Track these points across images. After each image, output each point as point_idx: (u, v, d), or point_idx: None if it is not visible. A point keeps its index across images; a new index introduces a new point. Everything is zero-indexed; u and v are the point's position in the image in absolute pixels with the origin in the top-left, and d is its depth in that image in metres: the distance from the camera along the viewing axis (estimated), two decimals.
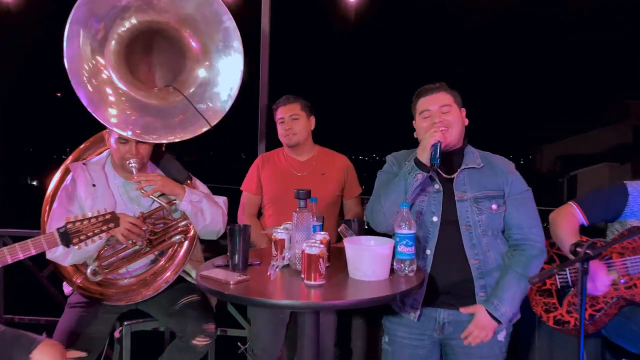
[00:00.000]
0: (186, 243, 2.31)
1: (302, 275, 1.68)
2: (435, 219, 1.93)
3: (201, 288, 1.73)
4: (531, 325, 2.33)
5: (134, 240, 2.13)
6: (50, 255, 2.08)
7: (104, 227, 1.82)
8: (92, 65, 2.12)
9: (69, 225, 1.74)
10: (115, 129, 2.10)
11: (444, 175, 1.97)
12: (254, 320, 2.64)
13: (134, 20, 2.20)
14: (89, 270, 2.18)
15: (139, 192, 2.19)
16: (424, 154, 1.86)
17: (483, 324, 1.86)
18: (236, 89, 2.32)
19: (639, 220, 2.11)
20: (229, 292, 1.64)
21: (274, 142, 2.84)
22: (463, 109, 2.02)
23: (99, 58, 2.15)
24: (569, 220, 2.12)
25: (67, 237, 1.73)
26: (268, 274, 1.76)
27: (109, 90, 2.16)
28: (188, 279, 2.41)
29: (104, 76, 2.17)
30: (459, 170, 1.96)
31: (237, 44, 2.31)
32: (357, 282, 1.72)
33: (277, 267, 1.77)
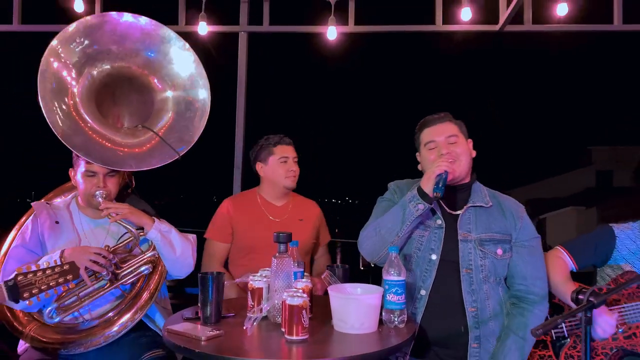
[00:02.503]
0: (154, 277, 2.14)
1: (283, 329, 1.53)
2: (434, 257, 1.81)
3: (168, 345, 1.54)
4: None
5: (98, 273, 1.96)
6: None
7: (60, 280, 1.64)
8: (64, 103, 2.12)
9: (19, 278, 1.55)
10: (87, 157, 2.03)
11: (448, 210, 1.85)
12: None
13: (104, 66, 2.23)
14: (45, 312, 1.97)
15: (106, 230, 2.10)
16: (428, 184, 1.73)
17: None
18: (204, 120, 2.30)
19: (630, 264, 2.06)
20: (200, 349, 1.45)
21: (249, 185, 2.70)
22: (470, 140, 1.93)
23: (70, 97, 2.14)
24: (559, 265, 2.04)
25: (16, 291, 1.54)
26: (244, 327, 1.59)
27: (80, 124, 2.13)
28: (151, 326, 2.21)
29: (74, 113, 2.14)
30: (465, 207, 1.85)
31: (201, 72, 2.32)
32: (343, 335, 1.57)
33: (254, 320, 1.59)
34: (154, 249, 2.11)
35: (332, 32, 2.83)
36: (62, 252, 1.93)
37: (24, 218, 2.21)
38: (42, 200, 2.18)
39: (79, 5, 2.80)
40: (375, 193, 2.18)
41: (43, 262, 1.76)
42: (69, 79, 2.16)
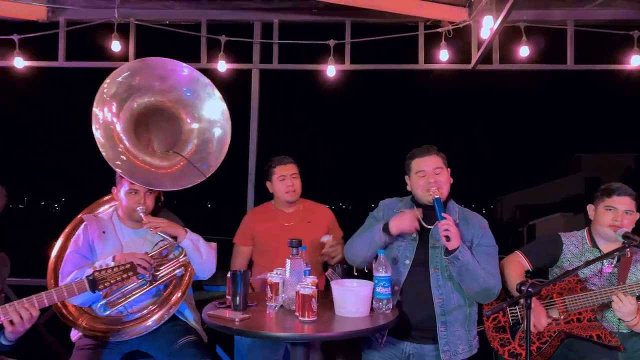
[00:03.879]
0: (185, 278, 2.56)
1: (297, 313, 1.98)
2: (407, 262, 2.26)
3: (209, 325, 2.01)
4: (489, 359, 2.66)
5: (142, 274, 2.35)
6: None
7: (125, 276, 2.08)
8: (112, 133, 2.52)
9: (95, 274, 2.00)
10: (131, 179, 2.44)
11: (425, 225, 2.28)
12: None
13: (145, 99, 2.65)
14: (97, 307, 2.39)
15: (143, 238, 2.49)
16: (395, 229, 2.20)
17: (456, 231, 2.12)
18: (225, 148, 2.72)
19: (573, 265, 2.51)
20: (235, 327, 1.93)
21: (262, 198, 3.14)
22: (449, 169, 2.33)
23: (116, 129, 2.56)
24: (515, 265, 2.51)
25: (94, 284, 1.99)
26: (267, 312, 2.06)
27: (124, 152, 2.55)
28: (181, 318, 2.62)
29: (120, 144, 2.56)
30: (436, 222, 2.21)
31: (225, 111, 2.74)
32: (343, 318, 2.03)
33: (275, 306, 2.07)
34: (185, 254, 2.51)
35: (331, 70, 3.29)
36: (114, 257, 2.32)
37: (69, 227, 2.61)
38: (91, 214, 2.58)
39: (115, 46, 3.28)
40: (370, 200, 2.66)
41: (101, 265, 2.15)
42: (115, 111, 2.55)
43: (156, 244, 2.52)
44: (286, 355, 2.66)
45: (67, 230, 2.61)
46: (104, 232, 2.48)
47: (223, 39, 3.28)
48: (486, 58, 3.24)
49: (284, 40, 3.35)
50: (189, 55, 3.18)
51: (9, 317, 1.81)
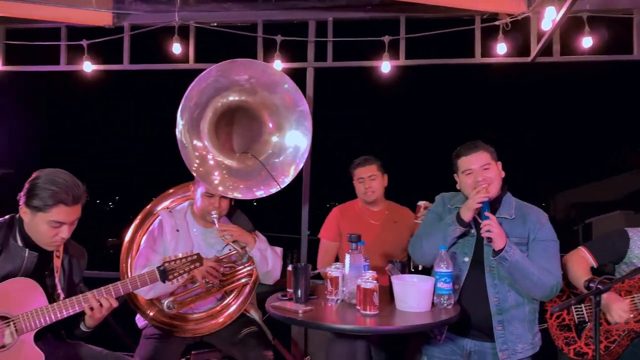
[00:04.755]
0: (250, 284, 2.66)
1: (358, 307, 2.01)
2: (466, 259, 2.24)
3: (273, 316, 2.07)
4: (553, 358, 2.60)
5: (209, 281, 2.47)
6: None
7: (192, 266, 2.16)
8: (191, 137, 2.60)
9: (165, 264, 2.10)
10: (208, 185, 2.52)
11: (480, 221, 2.23)
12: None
13: (230, 98, 2.71)
14: (164, 304, 2.49)
15: (214, 238, 2.57)
16: (466, 214, 2.14)
17: (500, 231, 2.08)
18: (303, 159, 2.78)
19: None
20: (299, 318, 1.98)
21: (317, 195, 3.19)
22: (499, 163, 2.25)
23: (198, 130, 2.64)
24: (581, 262, 2.42)
25: (165, 274, 2.09)
26: (329, 305, 2.11)
27: (204, 154, 2.63)
28: (246, 312, 2.70)
29: (199, 142, 2.65)
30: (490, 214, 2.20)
31: (308, 124, 2.78)
32: (404, 312, 2.05)
33: (337, 300, 2.11)
34: (252, 262, 2.60)
35: (386, 66, 3.28)
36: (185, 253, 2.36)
37: (139, 219, 2.70)
38: (166, 209, 2.67)
39: (176, 48, 3.40)
40: (428, 196, 2.68)
41: (170, 256, 2.22)
42: (199, 112, 2.62)
43: (226, 245, 2.60)
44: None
45: (136, 222, 2.71)
46: (177, 231, 2.57)
47: (279, 38, 3.34)
48: (546, 50, 3.15)
49: (338, 38, 3.37)
50: (246, 55, 3.25)
51: (90, 304, 1.92)
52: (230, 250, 2.59)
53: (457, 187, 2.36)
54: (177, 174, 2.84)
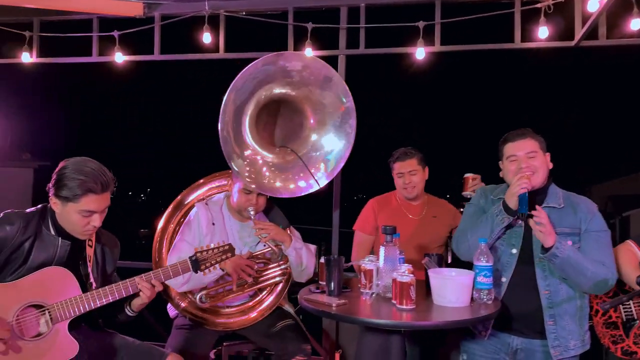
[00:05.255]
0: (282, 282, 2.63)
1: (394, 301, 1.95)
2: (514, 251, 2.14)
3: (306, 309, 2.02)
4: (599, 357, 2.48)
5: (242, 278, 2.45)
6: (169, 281, 2.42)
7: (223, 257, 2.13)
8: (234, 129, 2.54)
9: (198, 254, 2.07)
10: (246, 181, 2.47)
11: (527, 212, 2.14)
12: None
13: (275, 90, 2.62)
14: (197, 297, 2.49)
15: (249, 233, 2.54)
16: (511, 200, 2.05)
17: (550, 228, 2.00)
18: (344, 158, 2.69)
19: None
20: (333, 312, 1.92)
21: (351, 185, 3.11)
22: (548, 154, 2.16)
23: (240, 122, 2.58)
24: (629, 256, 2.30)
25: (197, 265, 2.06)
26: (363, 298, 2.04)
27: (242, 153, 2.58)
28: (280, 305, 2.66)
29: (242, 136, 2.59)
30: (540, 207, 2.12)
31: (353, 121, 2.68)
32: (441, 307, 1.97)
33: (372, 293, 2.05)
34: (287, 260, 2.57)
35: (420, 52, 3.16)
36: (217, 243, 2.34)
37: (170, 208, 2.67)
38: (202, 202, 2.62)
39: (206, 38, 3.37)
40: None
41: (202, 246, 2.18)
42: (243, 106, 2.55)
43: (258, 244, 2.57)
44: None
45: (168, 212, 2.69)
46: (213, 224, 2.54)
47: (309, 26, 3.27)
48: (591, 33, 2.99)
49: (371, 24, 3.28)
50: (276, 44, 3.20)
51: (143, 286, 1.93)
52: (264, 246, 2.56)
53: (500, 174, 2.27)
54: (213, 166, 2.80)
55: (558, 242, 1.99)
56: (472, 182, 2.70)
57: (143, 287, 1.95)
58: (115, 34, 3.50)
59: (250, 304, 2.60)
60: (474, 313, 1.93)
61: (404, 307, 1.91)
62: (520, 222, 2.15)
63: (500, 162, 2.26)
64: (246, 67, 2.48)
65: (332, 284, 2.16)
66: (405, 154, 2.83)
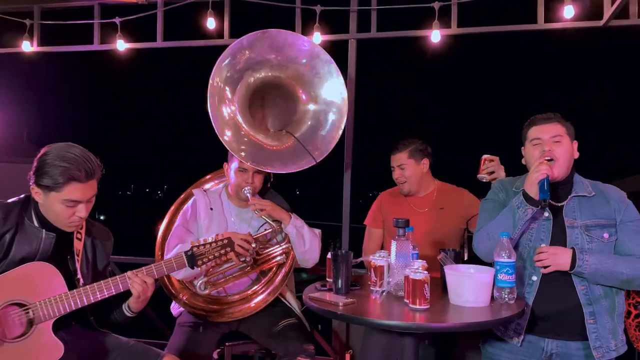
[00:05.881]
0: (286, 265, 2.48)
1: (406, 300, 1.78)
2: (543, 245, 1.96)
3: (310, 308, 1.86)
4: None
5: (243, 256, 2.30)
6: None
7: (222, 251, 1.99)
8: (225, 110, 2.48)
9: (194, 249, 1.93)
10: (239, 156, 2.38)
11: (553, 203, 1.97)
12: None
13: (262, 74, 2.57)
14: (197, 283, 2.36)
15: (249, 217, 2.44)
16: (532, 189, 1.88)
17: (557, 251, 1.86)
18: (339, 134, 2.60)
19: None
20: (340, 312, 1.76)
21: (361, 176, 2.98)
22: (575, 142, 2.01)
23: (231, 105, 2.51)
24: None
25: (193, 260, 1.92)
26: (373, 297, 1.88)
27: (237, 129, 2.50)
28: (284, 301, 2.54)
29: (234, 118, 2.51)
30: (569, 197, 1.96)
31: (344, 95, 2.61)
32: (458, 307, 1.80)
33: (382, 291, 1.88)
34: (288, 241, 2.44)
35: (436, 35, 2.98)
36: (217, 235, 2.21)
37: (175, 205, 2.59)
38: (200, 188, 2.58)
39: (210, 23, 3.23)
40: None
41: (199, 240, 2.05)
42: (230, 88, 2.50)
43: (261, 226, 2.47)
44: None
45: (172, 208, 2.62)
46: (211, 209, 2.48)
47: (318, 8, 3.10)
48: (621, 12, 2.77)
49: (383, 5, 3.10)
50: (284, 28, 3.03)
51: (136, 280, 1.81)
52: (265, 229, 2.46)
53: (523, 161, 2.09)
54: (219, 159, 2.67)
55: (579, 260, 1.85)
56: (488, 164, 2.49)
57: (134, 283, 1.81)
58: (117, 20, 3.39)
59: (254, 289, 2.47)
60: (494, 314, 1.75)
61: (418, 306, 1.74)
62: (547, 214, 1.97)
63: (522, 147, 2.09)
64: (227, 50, 2.45)
65: (340, 281, 2.00)
66: (395, 147, 2.69)
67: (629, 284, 1.90)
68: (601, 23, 2.87)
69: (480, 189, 2.48)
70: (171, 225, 2.55)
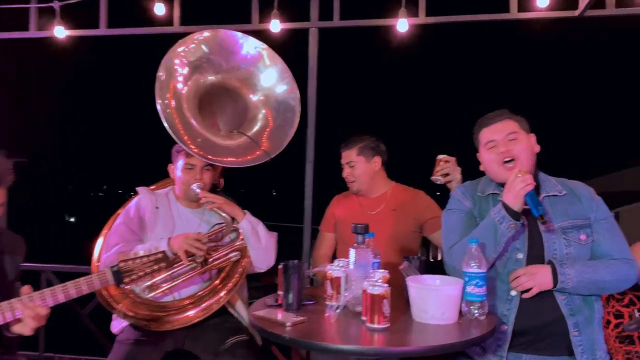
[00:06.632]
0: (241, 264, 2.28)
1: (364, 318, 1.56)
2: (520, 255, 1.77)
3: (255, 329, 1.62)
4: None
5: (194, 254, 2.12)
6: None
7: (155, 267, 1.75)
8: (174, 102, 2.33)
9: (121, 264, 1.68)
10: (188, 149, 2.20)
11: (526, 207, 1.78)
12: None
13: (212, 77, 2.45)
14: (140, 287, 2.13)
15: (199, 219, 2.29)
16: (516, 202, 1.69)
17: (535, 271, 1.71)
18: (293, 130, 2.46)
19: None
20: (286, 334, 1.52)
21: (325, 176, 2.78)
22: (532, 135, 1.86)
23: (180, 100, 2.36)
24: None
25: (119, 276, 1.67)
26: (326, 315, 1.64)
27: (185, 122, 2.33)
28: (235, 315, 2.33)
29: (184, 113, 2.34)
30: (539, 198, 1.81)
31: (296, 95, 2.49)
32: (422, 325, 1.59)
33: (337, 308, 1.65)
34: (242, 239, 2.28)
35: (402, 24, 2.80)
36: (169, 239, 2.12)
37: (122, 209, 2.36)
38: (147, 188, 2.39)
39: (159, 9, 2.97)
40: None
41: (148, 248, 1.85)
42: (181, 83, 2.36)
43: (212, 227, 2.29)
44: None
45: (119, 212, 2.37)
46: (157, 208, 2.30)
47: None
48: (597, 2, 2.63)
49: None
50: (239, 15, 2.81)
51: (28, 313, 1.53)
52: (216, 228, 2.28)
53: (481, 168, 1.92)
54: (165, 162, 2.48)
55: (561, 276, 1.70)
56: (443, 165, 2.34)
57: (25, 315, 1.53)
58: (56, 5, 3.10)
59: (204, 291, 2.24)
60: (463, 333, 1.54)
61: (376, 325, 1.52)
62: (521, 220, 1.76)
63: (478, 154, 1.91)
64: (181, 42, 2.34)
65: (290, 295, 1.76)
66: (346, 143, 2.54)
67: (609, 290, 1.82)
68: (577, 13, 2.73)
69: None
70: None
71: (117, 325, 2.28)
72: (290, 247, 2.93)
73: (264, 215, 2.64)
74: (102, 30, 3.13)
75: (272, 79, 2.50)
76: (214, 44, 2.43)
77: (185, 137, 2.26)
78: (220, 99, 2.54)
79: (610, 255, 1.77)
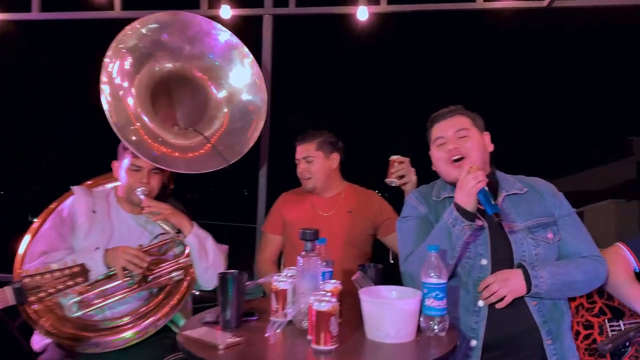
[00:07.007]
0: (184, 284, 2.08)
1: (309, 337, 1.38)
2: (484, 261, 1.65)
3: (183, 352, 1.41)
4: None
5: (131, 273, 1.93)
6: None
7: (70, 283, 1.54)
8: (123, 95, 2.16)
9: (25, 280, 1.45)
10: (135, 151, 2.03)
11: (481, 207, 1.67)
12: None
13: (168, 64, 2.30)
14: (66, 305, 1.92)
15: (142, 227, 2.09)
16: (468, 201, 1.59)
17: (506, 276, 1.60)
18: (256, 135, 2.37)
19: None
20: (216, 359, 1.30)
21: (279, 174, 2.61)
22: (486, 133, 1.79)
23: (128, 91, 2.19)
24: (622, 264, 1.84)
25: (22, 295, 1.44)
26: (266, 335, 1.44)
27: (134, 118, 2.17)
28: (174, 328, 2.14)
29: (131, 107, 2.17)
30: (499, 198, 1.72)
31: (263, 95, 2.40)
32: (376, 345, 1.41)
33: (278, 325, 1.44)
34: (187, 255, 2.08)
35: (362, 12, 2.64)
36: (106, 251, 1.91)
37: (54, 204, 2.14)
38: (83, 186, 2.15)
39: None
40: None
41: (80, 260, 1.68)
42: (130, 69, 2.19)
43: (155, 237, 2.08)
44: None
45: (52, 206, 2.13)
46: (94, 212, 2.06)
47: None
48: None
49: None
50: (185, 0, 2.59)
51: None
52: (160, 240, 2.07)
53: (433, 167, 1.82)
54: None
55: (534, 279, 1.61)
56: (398, 166, 2.23)
57: None
58: None
59: (141, 311, 2.03)
60: (420, 354, 1.38)
61: (322, 347, 1.34)
62: (480, 222, 1.67)
63: (430, 152, 1.82)
64: (131, 25, 2.18)
65: (228, 312, 1.55)
66: (303, 136, 2.40)
67: (581, 291, 1.73)
68: (545, 3, 2.62)
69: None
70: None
71: (39, 341, 2.04)
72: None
73: (235, 217, 2.46)
74: (34, 15, 2.86)
75: (243, 79, 2.38)
76: (177, 26, 2.27)
77: (131, 137, 2.06)
78: (179, 91, 2.37)
79: (579, 253, 1.71)
